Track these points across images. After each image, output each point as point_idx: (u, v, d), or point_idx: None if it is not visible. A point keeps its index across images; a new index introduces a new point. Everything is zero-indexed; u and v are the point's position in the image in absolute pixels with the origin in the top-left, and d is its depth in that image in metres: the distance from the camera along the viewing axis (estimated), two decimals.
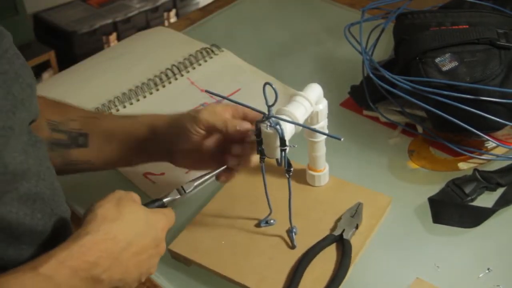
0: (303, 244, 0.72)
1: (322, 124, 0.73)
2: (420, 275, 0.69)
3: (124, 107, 1.00)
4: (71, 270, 0.52)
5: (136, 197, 0.63)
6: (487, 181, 0.77)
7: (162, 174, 0.86)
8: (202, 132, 0.71)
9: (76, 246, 0.53)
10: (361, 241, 0.72)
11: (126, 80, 1.04)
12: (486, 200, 0.77)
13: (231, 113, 0.72)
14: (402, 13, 0.89)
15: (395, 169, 0.84)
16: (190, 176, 0.84)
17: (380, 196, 0.78)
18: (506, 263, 0.70)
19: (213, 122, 0.70)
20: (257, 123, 0.65)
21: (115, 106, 0.99)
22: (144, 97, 1.02)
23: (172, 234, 0.75)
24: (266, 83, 0.63)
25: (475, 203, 0.77)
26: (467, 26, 0.82)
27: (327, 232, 0.73)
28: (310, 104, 0.68)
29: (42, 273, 0.51)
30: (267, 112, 0.64)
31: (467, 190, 0.76)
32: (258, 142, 0.66)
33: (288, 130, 0.65)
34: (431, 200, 0.76)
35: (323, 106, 0.72)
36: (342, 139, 0.60)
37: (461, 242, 0.73)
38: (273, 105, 0.63)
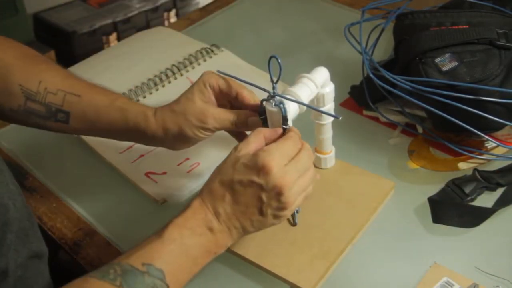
0: (304, 222, 0.74)
1: (329, 107, 0.75)
2: (419, 275, 0.69)
3: None
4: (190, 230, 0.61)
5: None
6: (487, 181, 0.77)
7: (164, 173, 0.86)
8: (210, 135, 0.72)
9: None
10: (361, 222, 0.74)
11: (126, 80, 1.04)
12: (486, 200, 0.77)
13: (228, 105, 0.74)
14: (402, 13, 0.89)
15: (395, 169, 0.84)
16: (191, 175, 0.85)
17: (383, 180, 0.80)
18: (506, 263, 0.70)
19: (221, 126, 0.71)
20: (262, 101, 0.67)
21: None
22: (144, 97, 1.02)
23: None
24: (271, 56, 0.64)
25: (475, 203, 0.77)
26: (467, 26, 0.82)
27: (327, 212, 0.75)
28: (316, 86, 0.70)
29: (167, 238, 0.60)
30: (271, 91, 0.66)
31: (467, 190, 0.77)
32: (262, 120, 0.68)
33: (292, 110, 0.67)
34: (431, 200, 0.76)
35: (329, 89, 0.73)
36: (340, 118, 0.64)
37: (461, 242, 0.73)
38: (277, 81, 0.65)
